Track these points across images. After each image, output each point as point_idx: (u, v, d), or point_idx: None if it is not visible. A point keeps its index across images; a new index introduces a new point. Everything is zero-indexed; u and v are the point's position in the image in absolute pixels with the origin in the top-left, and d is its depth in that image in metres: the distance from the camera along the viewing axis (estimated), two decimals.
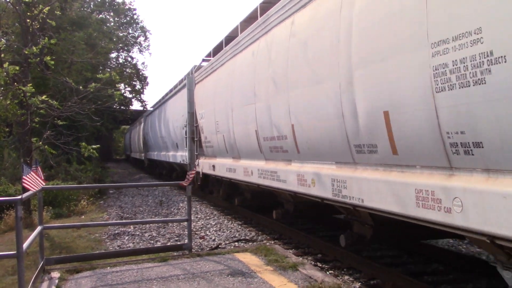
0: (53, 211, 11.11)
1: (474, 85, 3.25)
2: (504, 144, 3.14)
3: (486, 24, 3.12)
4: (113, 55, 32.84)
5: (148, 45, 60.28)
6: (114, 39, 28.68)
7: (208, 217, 11.03)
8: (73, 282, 5.31)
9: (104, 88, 12.24)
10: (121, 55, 35.90)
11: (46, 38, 10.26)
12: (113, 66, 32.41)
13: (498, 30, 3.04)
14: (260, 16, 7.94)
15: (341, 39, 4.94)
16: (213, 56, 11.29)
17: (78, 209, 11.94)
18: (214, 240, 8.50)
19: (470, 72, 3.27)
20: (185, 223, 7.92)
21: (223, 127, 9.78)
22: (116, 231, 9.19)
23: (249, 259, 6.14)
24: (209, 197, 14.13)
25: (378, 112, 4.36)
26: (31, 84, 9.78)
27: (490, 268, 5.85)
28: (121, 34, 33.96)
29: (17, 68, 9.19)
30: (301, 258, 6.52)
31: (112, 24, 32.86)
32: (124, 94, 33.11)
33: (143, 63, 71.89)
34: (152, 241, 8.45)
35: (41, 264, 5.71)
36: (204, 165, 12.05)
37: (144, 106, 38.79)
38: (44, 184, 5.92)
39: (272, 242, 8.09)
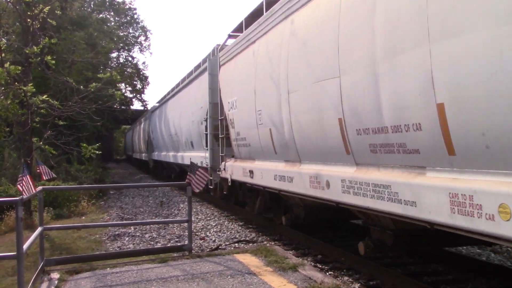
0: (54, 212, 11.12)
1: None
2: None
3: None
4: (114, 54, 32.95)
5: (149, 45, 60.40)
6: (115, 39, 28.71)
7: (208, 218, 11.03)
8: (72, 283, 5.31)
9: (104, 88, 12.25)
10: (122, 54, 36.04)
11: (47, 37, 10.28)
12: (114, 65, 32.44)
13: None
14: None
15: None
16: (246, 29, 8.78)
17: (78, 210, 11.95)
18: (214, 241, 8.50)
19: None
20: (186, 224, 7.91)
21: (270, 118, 7.27)
22: (117, 232, 9.19)
23: (249, 260, 6.14)
24: (209, 198, 14.08)
25: None
26: (31, 84, 9.80)
27: (490, 268, 5.86)
28: (122, 34, 34.04)
29: (19, 68, 9.20)
30: (301, 259, 6.52)
31: (112, 23, 32.91)
32: (125, 94, 33.16)
33: (143, 63, 71.99)
34: (153, 242, 8.46)
35: (41, 265, 5.72)
36: (234, 169, 9.41)
37: (144, 105, 38.90)
38: (35, 191, 5.88)
39: (272, 243, 8.09)
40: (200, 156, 12.53)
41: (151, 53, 67.12)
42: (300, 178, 6.34)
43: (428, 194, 3.89)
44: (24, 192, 5.24)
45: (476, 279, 5.61)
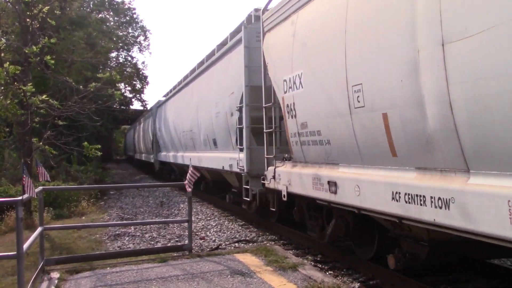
0: (54, 212, 11.11)
1: None
2: None
3: None
4: (113, 54, 32.96)
5: (148, 45, 60.40)
6: (114, 39, 28.71)
7: (208, 218, 11.03)
8: (72, 282, 5.32)
9: (104, 88, 12.24)
10: (121, 54, 36.02)
11: (46, 37, 10.28)
12: (113, 65, 32.46)
13: None
14: None
15: None
16: None
17: (78, 210, 11.94)
18: (214, 241, 8.50)
19: None
20: (186, 224, 7.91)
21: (384, 95, 4.44)
22: (117, 232, 9.19)
23: (249, 260, 6.14)
24: (209, 198, 14.07)
25: None
26: (31, 84, 9.80)
27: (490, 268, 5.87)
28: (121, 34, 34.03)
29: (18, 68, 9.20)
30: (301, 259, 6.53)
31: (111, 23, 32.91)
32: (124, 94, 33.20)
33: (143, 63, 71.98)
34: (153, 242, 8.46)
35: (41, 265, 5.72)
36: (293, 178, 6.65)
37: (144, 105, 38.88)
38: (34, 195, 5.87)
39: (272, 243, 8.09)
40: (227, 158, 9.83)
41: (150, 53, 67.21)
42: (472, 203, 3.50)
43: None
44: (29, 190, 5.25)
45: (476, 279, 5.62)
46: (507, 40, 3.11)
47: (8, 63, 9.21)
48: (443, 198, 3.79)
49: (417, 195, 4.08)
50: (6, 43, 11.29)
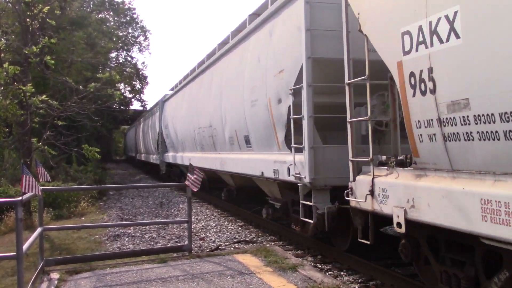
0: (54, 212, 11.12)
1: None
2: None
3: None
4: (113, 54, 33.00)
5: (148, 45, 60.41)
6: (114, 39, 28.75)
7: (208, 219, 11.03)
8: (72, 283, 5.31)
9: (104, 88, 12.25)
10: (121, 54, 36.08)
11: (46, 37, 10.28)
12: (113, 65, 32.48)
13: None
14: None
15: None
16: None
17: (78, 210, 11.95)
18: (214, 241, 8.50)
19: None
20: (185, 224, 7.91)
21: None
22: (116, 233, 9.19)
23: (249, 260, 6.14)
24: (209, 198, 14.06)
25: None
26: (31, 84, 9.80)
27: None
28: (121, 34, 34.07)
29: (18, 68, 9.20)
30: (300, 259, 6.53)
31: (111, 23, 32.95)
32: (124, 94, 33.22)
33: (143, 63, 72.01)
34: (152, 243, 8.46)
35: (40, 265, 5.72)
36: (419, 196, 4.13)
37: (144, 106, 38.92)
38: (39, 192, 5.86)
39: (272, 243, 8.10)
40: (270, 161, 7.39)
41: (150, 53, 67.20)
42: None
43: None
44: (33, 188, 5.25)
45: None
46: None
47: (7, 63, 9.21)
48: None
49: None
50: (6, 43, 11.30)
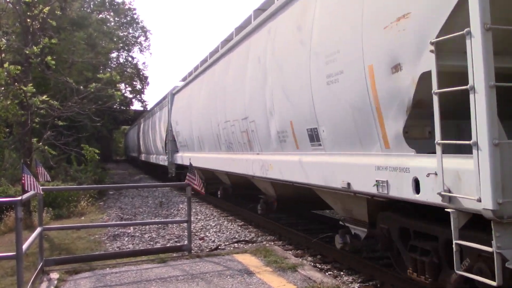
0: (53, 212, 11.12)
1: None
2: None
3: None
4: (114, 55, 33.04)
5: (149, 45, 60.44)
6: (115, 39, 28.77)
7: (208, 218, 11.03)
8: (72, 283, 5.32)
9: (104, 88, 12.26)
10: (122, 55, 36.12)
11: (47, 38, 10.29)
12: (114, 66, 32.51)
13: None
14: None
15: None
16: None
17: (78, 210, 11.95)
18: (213, 241, 8.50)
19: None
20: (185, 224, 7.91)
21: None
22: (116, 232, 9.19)
23: (249, 260, 6.14)
24: (209, 198, 14.07)
25: None
26: (31, 84, 9.81)
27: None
28: (121, 34, 34.12)
29: (19, 68, 9.22)
30: (300, 259, 6.53)
31: (112, 24, 32.99)
32: (125, 94, 33.24)
33: (143, 63, 71.97)
34: (152, 242, 8.46)
35: (40, 265, 5.72)
36: None
37: (144, 106, 38.95)
38: (40, 191, 5.86)
39: (272, 243, 8.09)
40: (368, 167, 4.59)
41: (151, 53, 67.27)
42: None
43: None
44: (34, 187, 5.25)
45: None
46: None
47: (8, 63, 9.22)
48: None
49: None
50: (6, 44, 11.32)
